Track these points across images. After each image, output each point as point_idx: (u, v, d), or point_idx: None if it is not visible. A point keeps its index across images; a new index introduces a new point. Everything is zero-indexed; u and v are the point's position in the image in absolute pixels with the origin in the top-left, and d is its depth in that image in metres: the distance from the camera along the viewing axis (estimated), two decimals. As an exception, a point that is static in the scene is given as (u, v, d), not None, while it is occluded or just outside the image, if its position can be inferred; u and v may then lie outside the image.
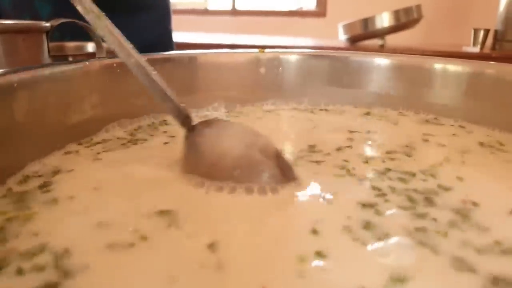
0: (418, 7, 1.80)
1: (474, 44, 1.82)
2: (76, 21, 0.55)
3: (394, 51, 1.80)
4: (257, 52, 0.29)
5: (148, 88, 0.22)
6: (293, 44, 1.91)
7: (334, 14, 2.87)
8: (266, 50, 0.29)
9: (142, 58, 0.22)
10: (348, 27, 1.87)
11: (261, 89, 0.30)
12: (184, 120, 0.22)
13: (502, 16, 1.78)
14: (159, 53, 0.28)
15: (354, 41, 1.89)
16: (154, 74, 0.22)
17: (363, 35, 1.84)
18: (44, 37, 0.47)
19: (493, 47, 1.82)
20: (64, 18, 0.54)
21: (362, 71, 0.28)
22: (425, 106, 0.28)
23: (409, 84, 0.28)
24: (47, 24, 0.46)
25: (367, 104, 0.29)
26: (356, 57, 0.29)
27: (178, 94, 0.27)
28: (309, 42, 2.08)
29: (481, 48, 1.80)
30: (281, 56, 0.30)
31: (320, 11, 2.94)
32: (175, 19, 1.02)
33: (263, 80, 0.29)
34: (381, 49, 1.82)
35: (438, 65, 0.27)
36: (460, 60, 0.27)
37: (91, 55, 0.63)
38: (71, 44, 0.76)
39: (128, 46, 0.23)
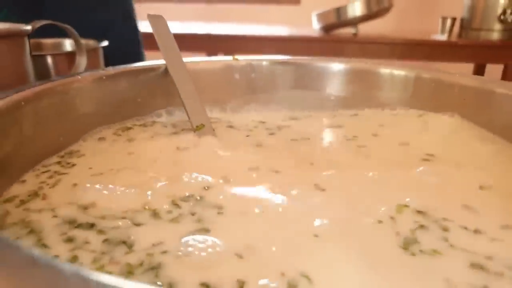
0: (389, -4, 1.85)
1: (442, 32, 1.89)
2: (57, 23, 0.56)
3: (366, 39, 1.85)
4: (231, 59, 0.32)
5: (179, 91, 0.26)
6: (269, 33, 1.93)
7: (308, 2, 2.90)
8: (239, 57, 0.32)
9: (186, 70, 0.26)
10: (321, 17, 1.90)
11: (235, 91, 0.33)
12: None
13: (468, 5, 1.85)
14: (148, 63, 0.31)
15: (328, 30, 1.93)
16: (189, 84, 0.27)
17: (336, 24, 1.88)
18: (26, 39, 0.48)
19: (459, 35, 1.90)
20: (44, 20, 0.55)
21: (322, 76, 0.32)
22: (378, 104, 0.32)
23: (359, 86, 0.32)
24: (29, 27, 0.47)
25: (329, 106, 0.33)
26: (317, 62, 0.33)
27: (163, 98, 0.30)
28: (285, 31, 2.10)
29: (449, 36, 1.88)
30: (253, 63, 0.33)
31: (295, -2, 2.96)
32: (147, 7, 1.02)
33: (236, 84, 0.33)
34: (354, 37, 1.87)
35: (385, 70, 0.31)
36: (402, 64, 0.31)
37: (71, 54, 0.64)
38: (48, 42, 0.77)
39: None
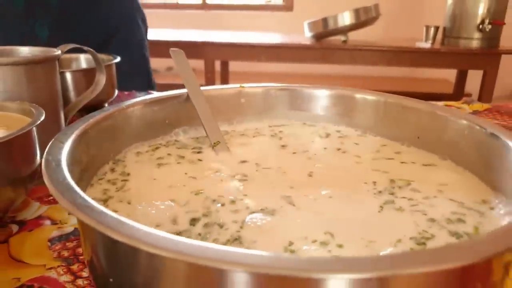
0: (376, 6, 1.95)
1: (426, 39, 2.00)
2: (83, 47, 0.65)
3: (355, 47, 1.96)
4: (239, 87, 0.42)
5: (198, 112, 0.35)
6: (263, 41, 2.01)
7: (301, 8, 3.00)
8: (245, 85, 0.42)
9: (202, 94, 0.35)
10: (312, 25, 2.00)
11: (242, 111, 0.43)
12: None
13: (449, 14, 1.96)
14: (165, 93, 0.40)
15: (319, 38, 2.03)
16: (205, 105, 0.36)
17: (326, 32, 1.98)
18: (57, 62, 0.57)
19: (442, 43, 2.01)
20: (68, 43, 0.63)
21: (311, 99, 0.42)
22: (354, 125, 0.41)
23: (340, 109, 0.41)
24: (59, 52, 0.56)
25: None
26: (306, 89, 0.42)
27: (186, 119, 0.39)
28: (278, 38, 2.19)
29: (432, 43, 1.99)
30: (256, 89, 0.42)
31: (288, 5, 3.06)
32: (146, 13, 1.10)
33: (244, 107, 0.42)
34: (344, 45, 1.97)
35: (359, 95, 0.41)
36: (374, 92, 0.41)
37: (88, 70, 0.72)
38: (66, 57, 0.84)
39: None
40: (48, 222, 0.40)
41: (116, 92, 0.79)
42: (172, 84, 2.09)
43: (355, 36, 2.06)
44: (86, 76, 0.73)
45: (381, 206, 0.28)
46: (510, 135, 0.29)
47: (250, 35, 2.27)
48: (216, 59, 2.07)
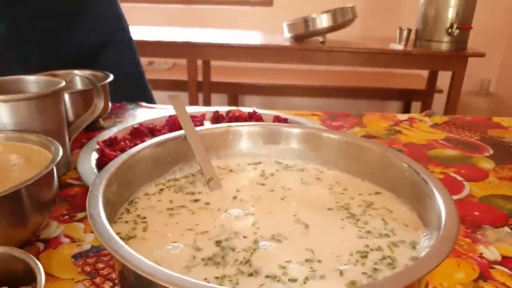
0: (353, 8, 2.04)
1: (400, 41, 2.11)
2: (87, 77, 0.71)
3: (333, 48, 2.05)
4: (227, 126, 0.50)
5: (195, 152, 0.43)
6: (244, 42, 2.07)
7: (280, 4, 3.06)
8: (231, 124, 0.50)
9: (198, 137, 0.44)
10: (291, 27, 2.08)
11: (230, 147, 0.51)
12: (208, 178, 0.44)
13: (420, 17, 2.07)
14: (167, 136, 0.47)
15: (298, 39, 2.11)
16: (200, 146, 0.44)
17: (305, 34, 2.06)
18: (61, 92, 0.63)
19: (414, 44, 2.12)
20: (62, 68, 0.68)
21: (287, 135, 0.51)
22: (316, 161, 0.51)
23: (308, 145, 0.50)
24: (64, 84, 0.62)
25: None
26: (283, 127, 0.51)
27: (182, 157, 0.47)
28: (259, 38, 2.26)
29: (405, 45, 2.10)
30: (241, 128, 0.51)
31: (267, 0, 3.11)
32: (125, 8, 1.11)
33: (229, 142, 0.51)
34: (322, 46, 2.06)
35: (326, 134, 0.50)
36: (336, 132, 0.50)
37: (84, 92, 0.78)
38: (60, 73, 0.89)
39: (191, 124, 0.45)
40: (67, 240, 0.48)
41: (110, 106, 0.85)
42: (154, 79, 2.12)
43: (332, 36, 2.15)
44: (82, 97, 0.80)
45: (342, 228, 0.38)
46: (436, 182, 0.38)
47: (231, 34, 2.32)
48: (198, 59, 2.13)
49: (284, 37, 2.14)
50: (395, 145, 0.77)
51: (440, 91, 2.61)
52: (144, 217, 0.39)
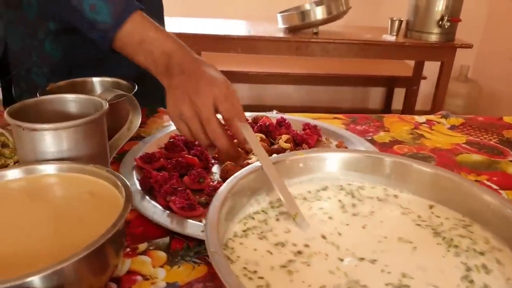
0: (346, 0, 2.05)
1: (391, 32, 2.14)
2: (124, 93, 0.68)
3: (326, 39, 2.06)
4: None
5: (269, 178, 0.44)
6: (238, 33, 2.05)
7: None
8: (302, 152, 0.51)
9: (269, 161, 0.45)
10: (286, 18, 2.07)
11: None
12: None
13: (411, 7, 2.11)
14: (252, 166, 0.47)
15: (292, 30, 2.10)
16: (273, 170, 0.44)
17: (299, 26, 2.06)
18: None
19: (405, 35, 2.16)
20: (112, 90, 0.66)
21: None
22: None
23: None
24: (107, 106, 0.59)
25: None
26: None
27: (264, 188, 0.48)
28: (253, 29, 2.22)
29: (396, 35, 2.13)
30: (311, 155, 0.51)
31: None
32: None
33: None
34: (316, 37, 2.07)
35: (328, 154, 0.51)
36: (340, 149, 0.52)
37: (114, 105, 0.76)
38: (77, 81, 0.85)
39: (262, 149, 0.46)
40: (139, 278, 0.46)
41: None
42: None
43: (325, 27, 2.15)
44: (112, 110, 0.77)
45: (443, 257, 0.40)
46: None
47: (225, 24, 2.27)
48: (192, 49, 2.08)
49: (278, 28, 2.12)
50: (423, 151, 0.79)
51: (424, 78, 2.68)
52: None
